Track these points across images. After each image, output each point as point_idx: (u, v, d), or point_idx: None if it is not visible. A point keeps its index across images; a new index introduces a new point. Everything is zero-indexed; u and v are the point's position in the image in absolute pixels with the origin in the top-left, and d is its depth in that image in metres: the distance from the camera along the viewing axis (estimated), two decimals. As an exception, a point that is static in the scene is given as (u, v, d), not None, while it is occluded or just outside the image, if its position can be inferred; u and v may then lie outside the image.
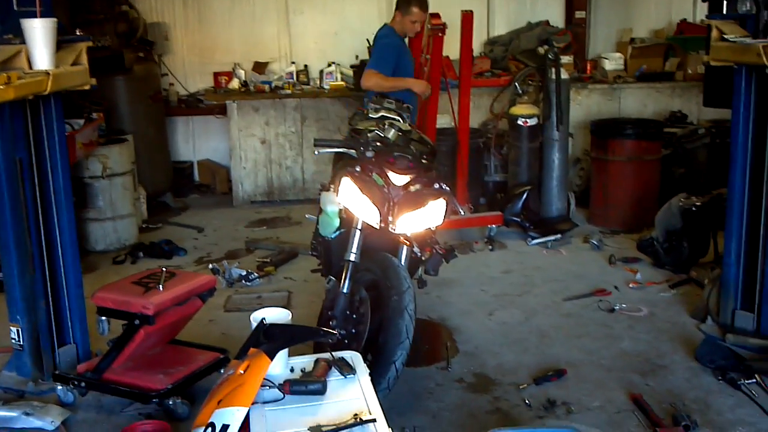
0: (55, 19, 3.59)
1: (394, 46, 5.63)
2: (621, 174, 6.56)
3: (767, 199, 4.07)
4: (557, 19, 8.56)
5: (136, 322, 3.65)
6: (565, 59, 7.58)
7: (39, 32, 3.49)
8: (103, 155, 6.31)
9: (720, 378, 3.91)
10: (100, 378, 3.74)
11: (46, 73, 3.48)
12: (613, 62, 8.08)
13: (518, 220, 6.48)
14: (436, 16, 6.22)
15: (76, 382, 3.80)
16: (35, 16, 3.57)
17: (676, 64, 7.98)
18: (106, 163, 6.31)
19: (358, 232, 3.84)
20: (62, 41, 3.82)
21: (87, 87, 3.89)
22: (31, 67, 3.55)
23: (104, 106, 6.88)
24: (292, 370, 2.86)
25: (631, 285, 5.31)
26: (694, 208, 5.36)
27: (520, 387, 3.91)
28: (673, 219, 5.47)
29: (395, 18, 5.73)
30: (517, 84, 6.71)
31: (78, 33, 4.02)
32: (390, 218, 3.76)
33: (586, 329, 4.64)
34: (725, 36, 3.97)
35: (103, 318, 3.76)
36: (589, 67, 8.10)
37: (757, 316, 4.23)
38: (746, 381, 3.81)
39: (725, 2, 4.18)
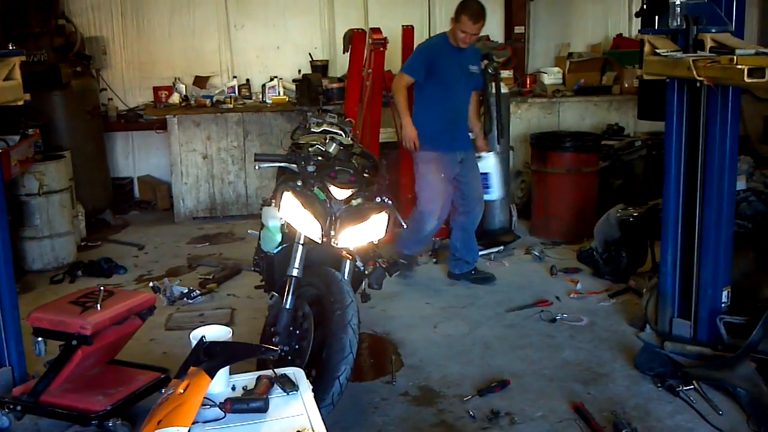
0: (-14, 34, 3.51)
1: (429, 49, 5.43)
2: (560, 186, 6.66)
3: (701, 208, 4.17)
4: (497, 34, 8.69)
5: (74, 342, 3.56)
6: (505, 74, 7.70)
7: (-31, 47, 3.41)
8: (40, 172, 6.17)
9: (659, 385, 3.98)
10: (37, 401, 3.63)
11: (-23, 88, 3.40)
12: (551, 76, 8.23)
13: (461, 232, 6.52)
14: (377, 30, 6.27)
15: (11, 406, 3.67)
16: (-35, 31, 3.48)
17: (612, 78, 8.16)
18: (42, 180, 6.17)
19: (300, 247, 3.82)
20: (-6, 55, 3.74)
21: (20, 102, 3.78)
22: (-39, 83, 3.46)
23: (41, 122, 6.74)
24: (233, 388, 2.82)
25: (571, 295, 5.40)
26: (631, 219, 5.47)
27: (465, 399, 3.93)
28: (611, 230, 5.57)
29: (451, 24, 5.41)
30: (458, 98, 6.76)
31: (11, 47, 3.92)
32: (332, 232, 3.75)
33: (529, 340, 4.69)
34: (657, 50, 4.06)
35: (40, 339, 3.66)
36: (528, 82, 8.22)
37: (693, 323, 4.32)
38: (684, 387, 3.90)
39: (657, 18, 4.27)
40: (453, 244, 5.79)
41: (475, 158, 5.75)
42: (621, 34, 8.72)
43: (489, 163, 6.12)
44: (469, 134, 5.77)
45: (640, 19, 4.56)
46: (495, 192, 6.27)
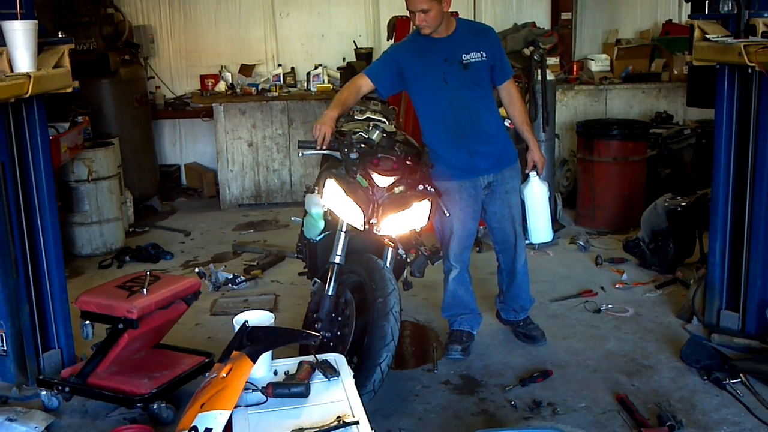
0: (35, 21, 3.57)
1: (395, 50, 4.32)
2: (607, 175, 6.56)
3: (751, 198, 4.08)
4: (543, 21, 8.59)
5: (120, 326, 3.63)
6: (552, 60, 7.60)
7: (19, 34, 3.46)
8: (89, 159, 6.28)
9: (705, 378, 3.91)
10: (85, 383, 3.72)
11: (27, 75, 3.45)
12: (599, 63, 8.10)
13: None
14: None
15: (60, 387, 3.77)
16: (16, 18, 3.54)
17: (661, 64, 8.00)
18: (91, 166, 6.28)
19: (342, 235, 3.83)
20: (44, 44, 3.81)
21: (69, 89, 3.86)
22: (12, 70, 3.51)
23: (90, 110, 6.86)
24: (275, 373, 2.85)
25: (617, 286, 5.32)
26: (679, 209, 5.37)
27: (506, 388, 3.91)
28: (658, 219, 5.48)
29: None
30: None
31: (60, 35, 3.99)
32: (374, 220, 3.76)
33: (573, 330, 4.65)
34: (707, 36, 3.98)
35: (87, 322, 3.73)
36: (575, 69, 8.10)
37: (742, 315, 4.24)
38: (731, 381, 3.82)
39: (707, 2, 4.18)
40: (499, 284, 4.61)
41: (511, 181, 4.33)
42: (671, 20, 8.53)
43: (528, 188, 4.50)
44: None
45: (690, 4, 4.48)
46: (533, 232, 4.57)
